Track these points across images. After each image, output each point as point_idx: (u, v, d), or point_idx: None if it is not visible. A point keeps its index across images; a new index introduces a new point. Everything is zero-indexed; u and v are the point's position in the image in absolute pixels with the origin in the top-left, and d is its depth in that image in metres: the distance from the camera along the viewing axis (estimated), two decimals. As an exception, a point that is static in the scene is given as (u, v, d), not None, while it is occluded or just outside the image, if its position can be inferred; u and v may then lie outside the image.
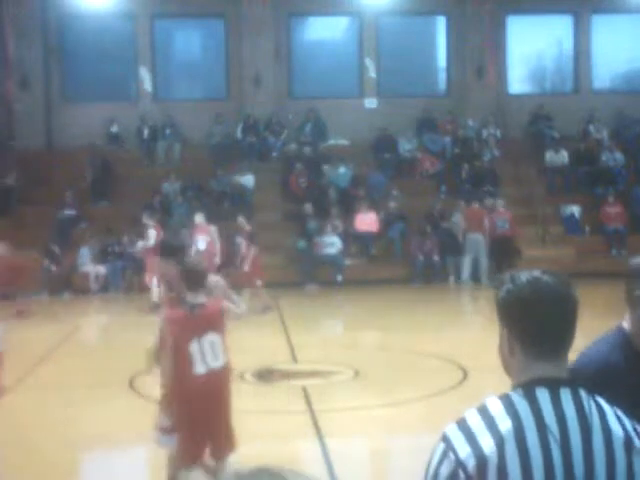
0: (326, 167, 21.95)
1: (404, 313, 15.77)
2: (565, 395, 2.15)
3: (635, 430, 2.16)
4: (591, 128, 23.74)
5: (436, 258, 19.78)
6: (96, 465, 8.01)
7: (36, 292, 18.42)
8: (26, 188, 21.12)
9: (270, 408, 9.27)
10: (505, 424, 2.10)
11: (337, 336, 14.99)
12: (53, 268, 19.07)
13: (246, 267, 15.91)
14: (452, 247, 19.82)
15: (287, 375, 10.91)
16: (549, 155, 22.71)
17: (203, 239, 16.66)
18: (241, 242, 16.45)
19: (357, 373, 10.64)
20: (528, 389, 2.16)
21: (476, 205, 20.12)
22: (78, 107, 23.25)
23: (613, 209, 21.08)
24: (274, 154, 22.77)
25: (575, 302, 2.30)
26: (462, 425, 2.13)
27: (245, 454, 7.99)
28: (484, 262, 19.59)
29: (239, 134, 23.01)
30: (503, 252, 19.45)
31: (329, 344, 13.43)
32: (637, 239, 20.59)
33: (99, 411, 8.95)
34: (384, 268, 19.73)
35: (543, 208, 21.27)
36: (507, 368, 2.26)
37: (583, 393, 2.17)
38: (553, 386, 2.15)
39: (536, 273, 2.26)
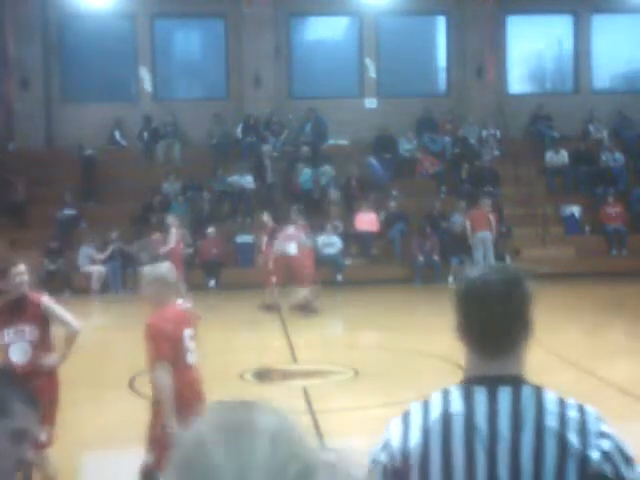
0: (299, 166, 21.86)
1: (404, 313, 15.76)
2: (503, 394, 2.17)
3: (584, 421, 2.15)
4: (591, 128, 23.74)
5: (436, 258, 19.78)
6: (96, 465, 8.01)
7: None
8: (26, 188, 21.12)
9: (270, 408, 9.25)
10: (435, 421, 2.15)
11: (337, 336, 14.99)
12: (53, 268, 19.07)
13: (270, 264, 15.76)
14: (454, 247, 19.81)
15: (287, 375, 10.91)
16: (549, 155, 22.72)
17: (292, 244, 15.71)
18: (262, 239, 16.46)
19: (357, 373, 10.64)
20: (467, 387, 2.19)
21: (482, 205, 20.04)
22: (78, 107, 23.25)
23: (613, 209, 21.08)
24: (275, 154, 22.76)
25: (521, 300, 2.23)
26: (403, 417, 2.22)
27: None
28: (491, 260, 19.56)
29: (239, 134, 23.00)
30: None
31: (329, 344, 13.43)
32: (637, 239, 20.61)
33: (99, 411, 8.94)
34: (384, 268, 19.73)
35: (543, 208, 21.27)
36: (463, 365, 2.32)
37: (527, 390, 2.17)
38: (492, 385, 2.17)
39: (485, 271, 2.26)
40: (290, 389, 10.27)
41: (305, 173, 21.69)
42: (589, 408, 2.21)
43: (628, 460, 2.15)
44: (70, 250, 19.57)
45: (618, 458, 2.14)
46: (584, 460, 2.11)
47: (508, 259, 20.26)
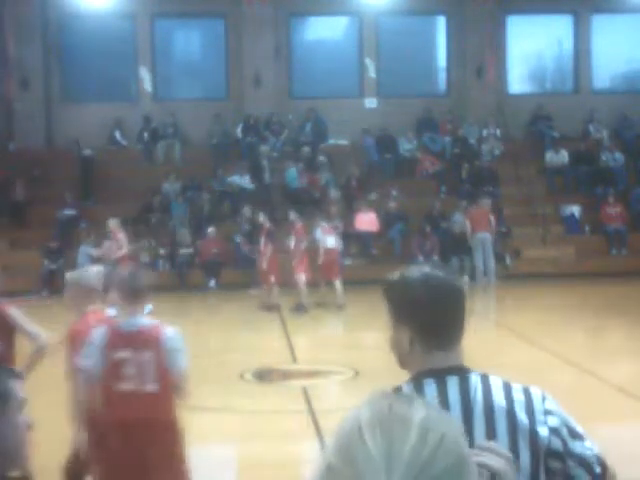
0: (287, 165, 21.86)
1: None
2: (451, 382, 2.27)
3: (530, 401, 2.27)
4: (591, 128, 23.73)
5: (436, 258, 19.76)
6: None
7: (36, 292, 18.43)
8: (26, 188, 21.12)
9: (270, 408, 9.27)
10: None
11: (337, 336, 15.00)
12: (53, 267, 19.06)
13: (264, 264, 16.08)
14: (454, 247, 19.81)
15: (287, 375, 10.91)
16: (549, 155, 22.71)
17: (331, 237, 16.79)
18: (260, 239, 16.60)
19: (357, 373, 10.64)
20: (417, 381, 2.28)
21: (481, 204, 20.03)
22: (78, 107, 23.25)
23: (613, 209, 21.08)
24: (274, 154, 22.76)
25: (464, 294, 2.38)
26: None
27: (245, 454, 8.00)
28: (491, 261, 19.56)
29: (239, 134, 23.00)
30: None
31: (329, 344, 13.43)
32: (637, 239, 20.62)
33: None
34: (384, 268, 19.59)
35: (543, 208, 21.27)
36: (404, 363, 2.36)
37: (474, 377, 2.29)
38: (440, 375, 2.27)
39: (426, 269, 2.35)
40: (290, 389, 10.27)
41: (291, 172, 21.71)
42: (534, 389, 2.32)
43: (575, 435, 2.26)
44: (70, 250, 19.56)
45: (565, 433, 2.25)
46: (533, 436, 2.22)
47: (508, 259, 20.27)
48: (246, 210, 19.63)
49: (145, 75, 23.78)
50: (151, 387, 4.95)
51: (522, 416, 2.24)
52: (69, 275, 5.82)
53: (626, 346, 12.91)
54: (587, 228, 21.44)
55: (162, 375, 4.97)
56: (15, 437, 2.21)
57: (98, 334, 5.04)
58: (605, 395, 9.23)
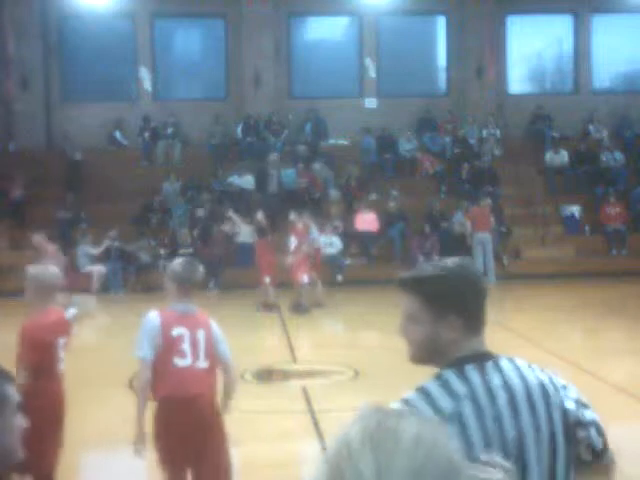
0: (272, 159, 21.85)
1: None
2: (489, 367, 2.38)
3: (550, 378, 2.44)
4: (591, 128, 23.75)
5: (436, 258, 19.76)
6: (96, 465, 8.02)
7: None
8: (26, 188, 21.11)
9: (270, 408, 9.27)
10: (460, 389, 2.31)
11: (337, 336, 14.99)
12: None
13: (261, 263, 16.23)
14: (454, 247, 19.79)
15: (287, 375, 10.91)
16: (549, 155, 22.72)
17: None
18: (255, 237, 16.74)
19: (357, 373, 10.64)
20: (459, 366, 2.36)
21: (481, 205, 20.03)
22: (78, 107, 23.26)
23: (613, 209, 21.08)
24: (274, 154, 22.76)
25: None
26: (421, 391, 2.34)
27: (245, 454, 8.00)
28: (491, 261, 19.56)
29: (239, 134, 23.01)
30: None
31: (329, 344, 13.43)
32: (637, 239, 20.62)
33: (99, 411, 8.95)
34: (384, 268, 19.71)
35: (543, 208, 21.27)
36: (436, 353, 2.41)
37: (504, 360, 2.41)
38: (480, 360, 2.38)
39: (454, 260, 2.48)
40: (290, 389, 10.28)
41: (289, 172, 21.72)
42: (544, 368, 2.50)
43: (586, 404, 2.48)
44: (70, 250, 19.55)
45: (582, 403, 2.46)
46: (564, 411, 2.39)
47: (505, 259, 20.23)
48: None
49: (145, 75, 23.78)
50: (203, 364, 5.27)
51: (553, 393, 2.40)
52: (30, 270, 5.79)
53: (626, 346, 12.91)
54: (587, 228, 21.44)
55: (210, 354, 5.32)
56: (11, 440, 2.22)
57: (149, 319, 5.28)
58: (605, 395, 9.23)
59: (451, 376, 2.34)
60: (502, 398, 2.33)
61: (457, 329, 2.38)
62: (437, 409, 2.27)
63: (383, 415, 1.31)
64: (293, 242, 16.22)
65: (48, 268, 5.91)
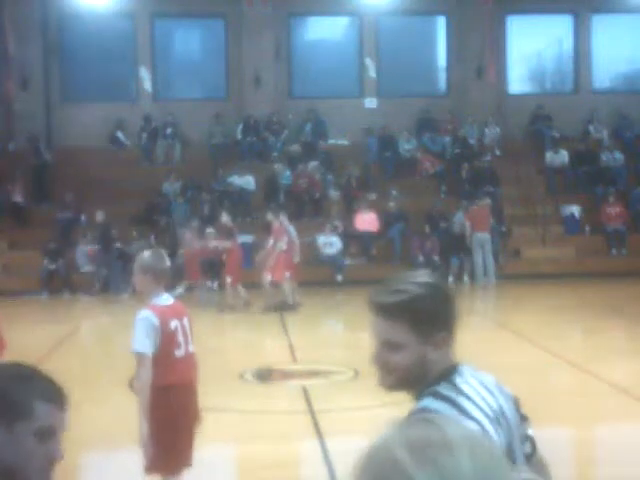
0: (277, 166, 21.83)
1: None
2: (468, 372, 2.35)
3: (500, 384, 2.44)
4: (591, 128, 23.75)
5: (436, 258, 19.77)
6: (96, 465, 8.02)
7: (36, 292, 18.44)
8: (26, 188, 21.11)
9: (270, 408, 9.27)
10: (479, 398, 2.27)
11: (337, 336, 15.00)
12: (53, 267, 19.06)
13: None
14: (454, 247, 19.79)
15: (287, 375, 10.91)
16: (549, 155, 22.72)
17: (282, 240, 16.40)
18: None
19: (357, 373, 10.64)
20: (449, 377, 2.30)
21: (481, 204, 20.00)
22: (78, 107, 23.26)
23: (613, 209, 21.08)
24: (275, 154, 22.77)
25: None
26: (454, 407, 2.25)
27: (245, 454, 7.99)
28: (491, 261, 19.54)
29: (239, 134, 23.01)
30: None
31: (329, 344, 13.43)
32: (637, 239, 20.62)
33: (99, 411, 8.94)
34: (384, 268, 19.70)
35: (543, 208, 21.26)
36: (420, 377, 2.29)
37: (466, 368, 2.38)
38: (459, 369, 2.34)
39: (419, 275, 2.37)
40: (290, 389, 10.27)
41: (287, 173, 21.75)
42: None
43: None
44: (70, 250, 19.57)
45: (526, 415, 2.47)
46: (522, 416, 2.41)
47: (501, 259, 20.19)
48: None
49: (145, 75, 23.78)
50: (191, 348, 5.51)
51: (511, 396, 2.41)
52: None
53: (626, 346, 12.91)
54: (587, 228, 21.44)
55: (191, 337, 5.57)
56: (18, 461, 2.16)
57: (146, 317, 5.38)
58: (605, 395, 9.23)
59: (445, 390, 2.27)
60: (505, 400, 2.37)
61: (442, 345, 2.30)
62: (462, 411, 2.23)
63: (417, 428, 1.21)
64: (270, 241, 16.23)
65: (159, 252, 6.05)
